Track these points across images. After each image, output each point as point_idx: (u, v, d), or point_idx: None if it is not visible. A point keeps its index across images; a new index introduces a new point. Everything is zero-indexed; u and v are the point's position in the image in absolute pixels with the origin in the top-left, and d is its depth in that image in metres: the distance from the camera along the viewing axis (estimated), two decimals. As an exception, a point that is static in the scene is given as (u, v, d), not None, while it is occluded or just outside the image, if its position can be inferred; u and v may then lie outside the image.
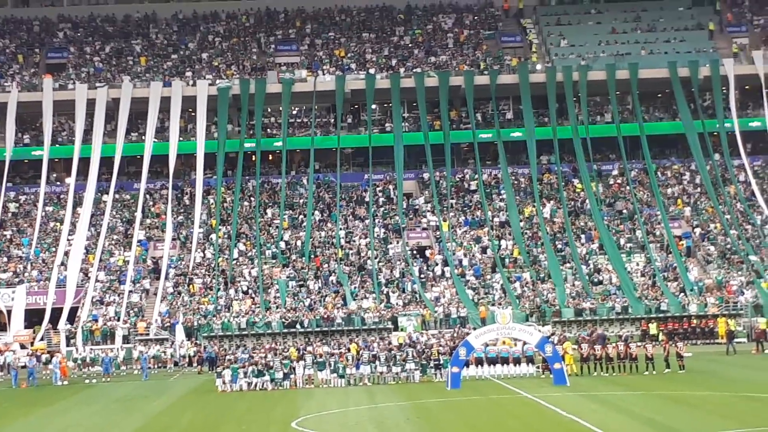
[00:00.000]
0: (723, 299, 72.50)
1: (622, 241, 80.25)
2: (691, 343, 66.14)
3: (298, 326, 70.72)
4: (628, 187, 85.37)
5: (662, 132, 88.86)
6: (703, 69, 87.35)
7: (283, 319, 71.18)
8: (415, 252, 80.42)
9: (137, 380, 58.76)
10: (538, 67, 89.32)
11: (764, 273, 75.33)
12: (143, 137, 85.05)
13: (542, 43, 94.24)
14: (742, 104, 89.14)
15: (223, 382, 51.39)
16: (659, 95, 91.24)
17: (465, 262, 78.34)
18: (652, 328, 68.97)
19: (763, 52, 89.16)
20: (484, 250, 79.68)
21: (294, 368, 52.61)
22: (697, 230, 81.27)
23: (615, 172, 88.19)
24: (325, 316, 71.38)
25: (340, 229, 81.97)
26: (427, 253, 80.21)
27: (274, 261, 78.97)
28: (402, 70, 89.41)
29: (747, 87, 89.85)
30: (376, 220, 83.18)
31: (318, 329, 70.46)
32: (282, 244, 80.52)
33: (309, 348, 58.65)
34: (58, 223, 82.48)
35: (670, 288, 74.41)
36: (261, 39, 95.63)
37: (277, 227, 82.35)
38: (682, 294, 73.55)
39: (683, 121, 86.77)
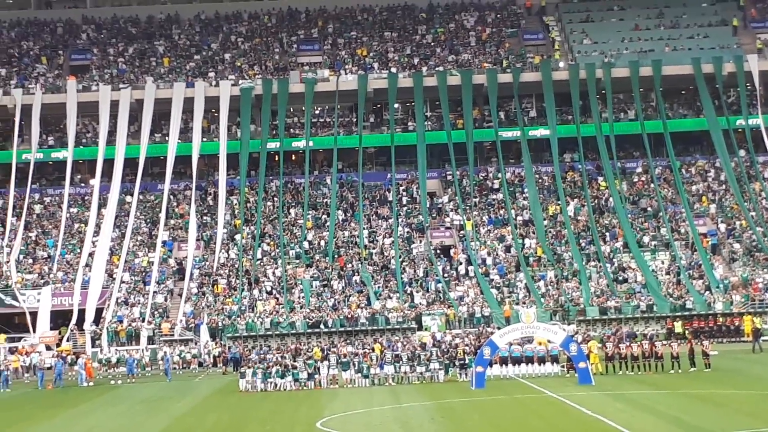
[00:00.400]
0: (749, 297, 72.11)
1: (646, 239, 79.92)
2: (716, 341, 65.76)
3: (322, 326, 70.80)
4: (652, 185, 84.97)
5: (686, 129, 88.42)
6: (727, 65, 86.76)
7: (307, 319, 71.27)
8: (438, 251, 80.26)
9: (162, 381, 58.92)
10: (561, 64, 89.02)
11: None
12: (167, 138, 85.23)
13: (565, 40, 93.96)
14: (767, 100, 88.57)
15: (246, 383, 51.56)
16: (683, 92, 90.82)
17: (489, 261, 78.19)
18: (678, 327, 68.67)
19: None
20: (507, 249, 79.49)
21: (318, 368, 52.70)
22: (722, 226, 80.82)
23: (639, 170, 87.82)
24: (349, 316, 71.42)
25: (364, 228, 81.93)
26: (451, 252, 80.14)
27: (297, 261, 79.02)
28: (424, 68, 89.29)
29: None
30: (400, 220, 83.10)
31: (342, 329, 70.54)
32: (305, 244, 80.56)
33: (333, 348, 58.75)
34: (82, 225, 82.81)
35: (696, 286, 74.06)
36: (283, 39, 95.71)
37: (300, 227, 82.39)
38: (708, 292, 73.19)
39: (707, 118, 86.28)
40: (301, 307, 73.31)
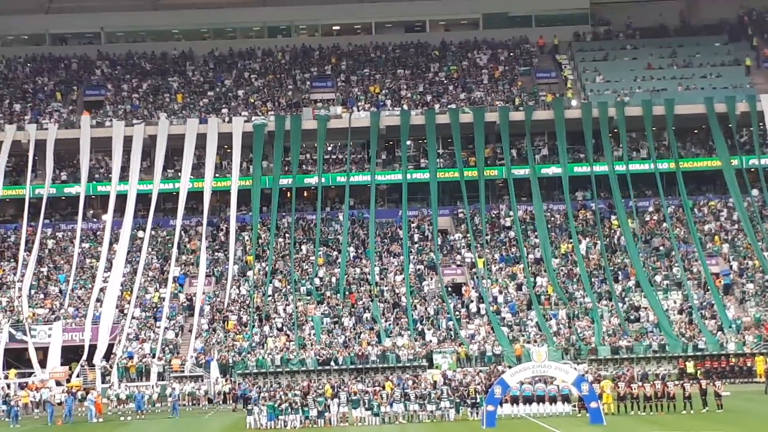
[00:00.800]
0: (761, 337, 71.74)
1: (658, 278, 79.64)
2: (729, 381, 65.43)
3: (332, 363, 70.59)
4: (664, 224, 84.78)
5: (699, 168, 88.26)
6: (740, 104, 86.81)
7: (318, 356, 71.07)
8: (450, 289, 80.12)
9: (172, 417, 58.75)
10: (574, 103, 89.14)
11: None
12: (179, 174, 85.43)
13: (577, 79, 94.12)
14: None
15: (255, 420, 51.42)
16: (696, 131, 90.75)
17: (500, 298, 78.00)
18: (690, 367, 68.32)
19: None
20: (519, 287, 79.30)
21: (328, 406, 52.50)
22: (734, 264, 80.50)
23: (651, 209, 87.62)
24: (360, 354, 71.22)
25: (375, 265, 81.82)
26: (462, 289, 79.95)
27: (308, 298, 78.91)
28: (437, 106, 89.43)
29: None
30: (411, 257, 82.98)
31: (352, 366, 70.33)
32: (317, 281, 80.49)
33: (343, 386, 58.55)
34: (94, 260, 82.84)
35: (708, 326, 73.72)
36: (296, 76, 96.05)
37: (311, 264, 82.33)
38: (720, 332, 72.84)
39: (720, 157, 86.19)
40: (312, 344, 73.13)
